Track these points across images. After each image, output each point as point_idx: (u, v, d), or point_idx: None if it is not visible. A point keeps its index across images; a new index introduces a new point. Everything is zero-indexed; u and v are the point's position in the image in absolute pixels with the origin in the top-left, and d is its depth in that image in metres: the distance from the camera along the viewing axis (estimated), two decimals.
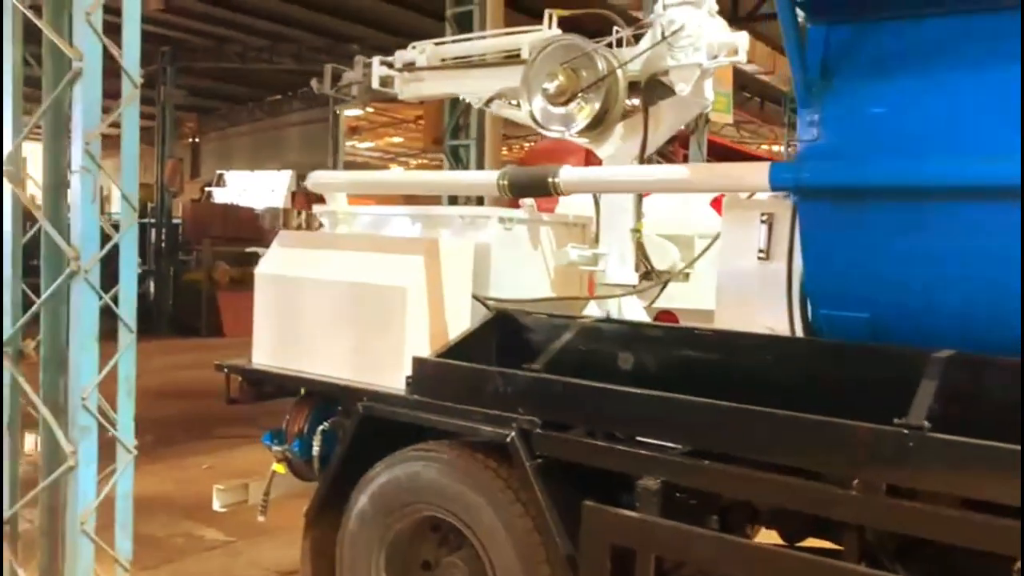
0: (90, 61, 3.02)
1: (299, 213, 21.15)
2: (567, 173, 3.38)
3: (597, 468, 2.98)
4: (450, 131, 9.23)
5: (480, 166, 8.76)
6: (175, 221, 19.39)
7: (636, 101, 4.00)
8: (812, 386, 2.88)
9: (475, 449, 3.26)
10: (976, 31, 2.52)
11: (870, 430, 2.37)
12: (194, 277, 18.30)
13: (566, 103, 3.85)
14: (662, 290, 4.26)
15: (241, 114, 25.54)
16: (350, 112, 24.07)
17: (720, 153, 8.09)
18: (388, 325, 3.54)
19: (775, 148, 16.80)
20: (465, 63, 4.48)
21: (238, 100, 24.63)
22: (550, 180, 3.37)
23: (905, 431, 2.30)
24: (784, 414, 2.52)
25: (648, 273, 4.13)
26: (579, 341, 3.28)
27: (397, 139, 29.45)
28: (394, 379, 3.50)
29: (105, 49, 3.12)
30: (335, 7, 15.89)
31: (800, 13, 2.68)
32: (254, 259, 20.02)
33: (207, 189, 23.46)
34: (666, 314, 4.53)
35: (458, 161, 9.17)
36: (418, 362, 3.37)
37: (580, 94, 3.79)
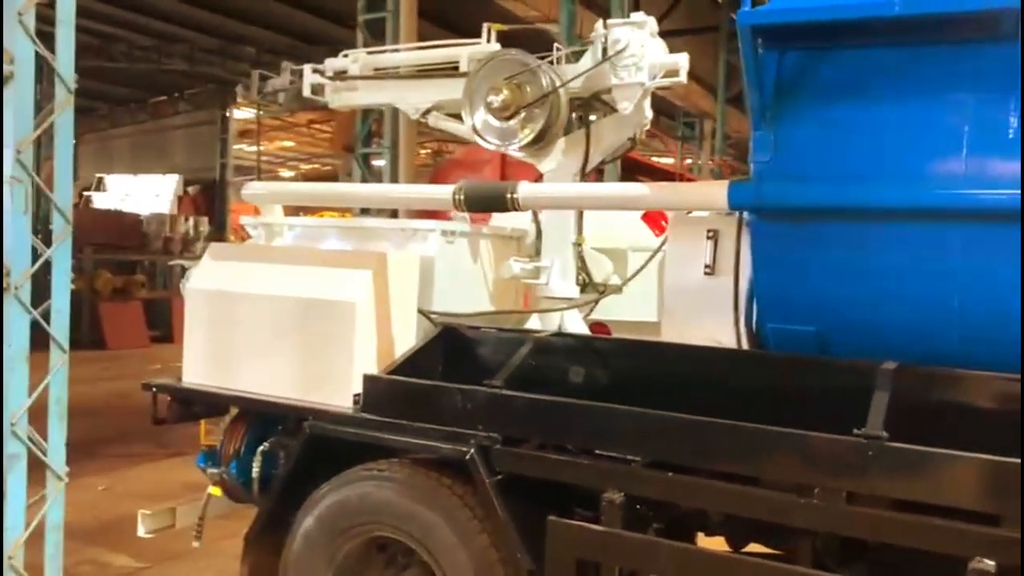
0: (22, 65, 2.86)
1: (187, 219, 20.36)
2: (526, 189, 3.40)
3: (554, 483, 3.01)
4: (362, 138, 9.08)
5: (394, 175, 8.66)
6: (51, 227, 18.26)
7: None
8: (763, 397, 2.99)
9: (429, 467, 3.22)
10: (922, 59, 2.69)
11: (832, 441, 2.48)
12: (74, 287, 17.30)
13: (510, 117, 3.87)
14: (597, 302, 4.33)
15: (123, 115, 24.37)
16: (240, 115, 23.42)
17: (630, 167, 8.30)
18: (335, 341, 3.45)
19: (667, 160, 17.38)
20: (401, 73, 4.43)
21: (119, 100, 23.50)
22: (508, 196, 3.37)
23: (865, 441, 2.41)
24: (747, 426, 2.61)
25: (586, 286, 4.19)
26: (534, 356, 3.29)
27: (288, 143, 28.76)
28: (341, 397, 3.42)
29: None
30: (229, 8, 15.41)
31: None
32: (137, 267, 19.06)
33: (85, 194, 22.25)
34: (599, 326, 4.60)
35: (369, 169, 9.05)
36: (369, 379, 3.31)
37: (524, 109, 3.82)
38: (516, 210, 3.52)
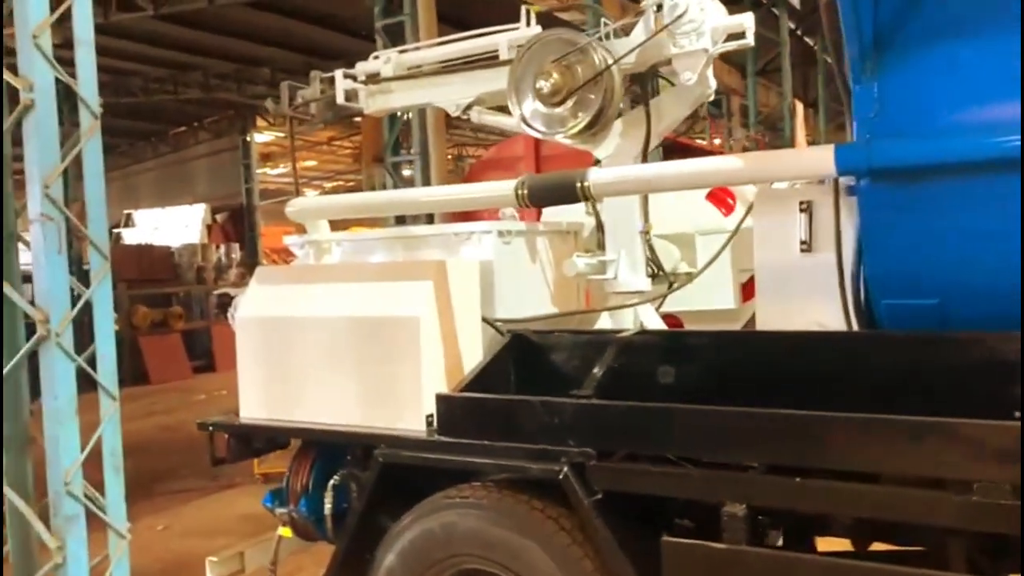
0: (42, 92, 2.60)
1: (218, 247, 20.32)
2: (597, 175, 3.09)
3: (653, 498, 2.71)
4: (390, 147, 8.83)
5: (426, 182, 8.42)
6: (85, 268, 18.31)
7: None
8: (886, 383, 2.67)
9: (517, 489, 2.94)
10: None
11: (994, 428, 2.15)
12: (116, 326, 17.31)
13: (561, 102, 3.58)
14: (668, 294, 4.02)
15: (144, 149, 24.45)
16: (260, 138, 23.38)
17: (669, 149, 7.96)
18: (400, 360, 3.18)
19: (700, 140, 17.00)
20: (438, 69, 4.16)
21: (140, 135, 23.56)
22: (579, 185, 3.07)
23: None
24: (884, 418, 2.29)
25: (655, 276, 3.89)
26: (618, 359, 2.99)
27: (310, 163, 28.72)
28: (412, 420, 3.15)
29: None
30: (238, 30, 15.27)
31: None
32: (172, 300, 19.12)
33: (115, 231, 22.34)
34: (670, 318, 4.30)
35: (400, 178, 8.81)
36: (443, 399, 3.03)
37: (577, 92, 3.52)
38: (588, 200, 3.22)
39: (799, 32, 17.30)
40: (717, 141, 16.36)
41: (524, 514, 2.86)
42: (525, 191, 3.21)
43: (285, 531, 3.56)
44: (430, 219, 7.52)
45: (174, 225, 21.91)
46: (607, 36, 3.64)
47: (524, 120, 3.68)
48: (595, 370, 2.89)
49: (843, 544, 3.02)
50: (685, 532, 2.71)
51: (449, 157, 24.10)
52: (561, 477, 2.72)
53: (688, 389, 2.91)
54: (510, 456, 2.86)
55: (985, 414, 2.22)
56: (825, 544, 3.05)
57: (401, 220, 7.56)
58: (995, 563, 2.53)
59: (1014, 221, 2.41)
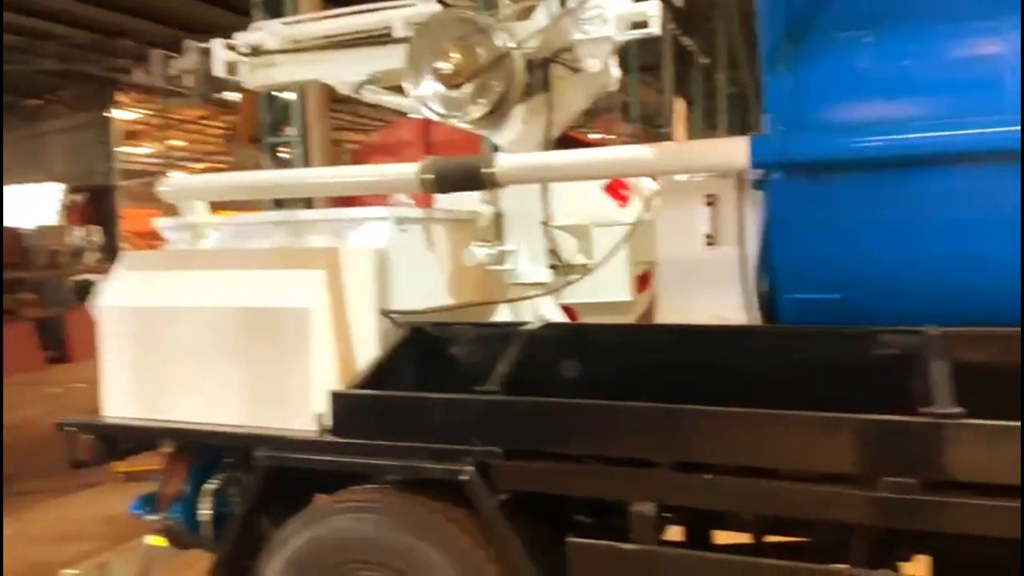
0: None
1: (76, 230, 18.97)
2: (505, 161, 2.95)
3: (555, 497, 2.62)
4: (268, 127, 8.38)
5: (306, 165, 8.04)
6: None
7: None
8: (789, 378, 2.67)
9: (415, 491, 2.78)
10: None
11: (900, 423, 2.16)
12: None
13: (461, 84, 3.42)
14: (566, 285, 3.94)
15: None
16: (124, 115, 21.98)
17: (561, 141, 7.90)
18: (288, 355, 2.95)
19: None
20: (327, 44, 3.91)
21: None
22: (484, 171, 2.92)
23: (942, 420, 2.10)
24: (797, 414, 2.27)
25: (555, 268, 3.80)
26: (524, 353, 2.87)
27: (179, 142, 27.31)
28: (300, 419, 2.93)
29: None
30: None
31: None
32: (19, 287, 17.78)
33: None
34: (565, 310, 4.22)
35: (277, 161, 8.39)
36: (338, 397, 2.83)
37: (478, 74, 3.37)
38: (496, 187, 3.07)
39: (677, 32, 17.73)
40: (598, 136, 16.55)
41: (424, 517, 2.72)
42: (429, 176, 3.03)
43: (157, 539, 3.26)
44: (308, 205, 7.21)
45: (26, 205, 20.32)
46: (506, 19, 3.51)
47: (422, 101, 3.50)
48: (500, 365, 2.76)
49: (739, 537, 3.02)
50: (591, 532, 2.62)
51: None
52: (466, 478, 2.58)
53: (596, 384, 2.82)
54: (410, 456, 2.70)
55: (888, 410, 2.24)
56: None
57: (279, 207, 7.18)
58: (890, 553, 2.57)
59: (923, 217, 2.44)
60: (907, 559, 2.72)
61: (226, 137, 21.18)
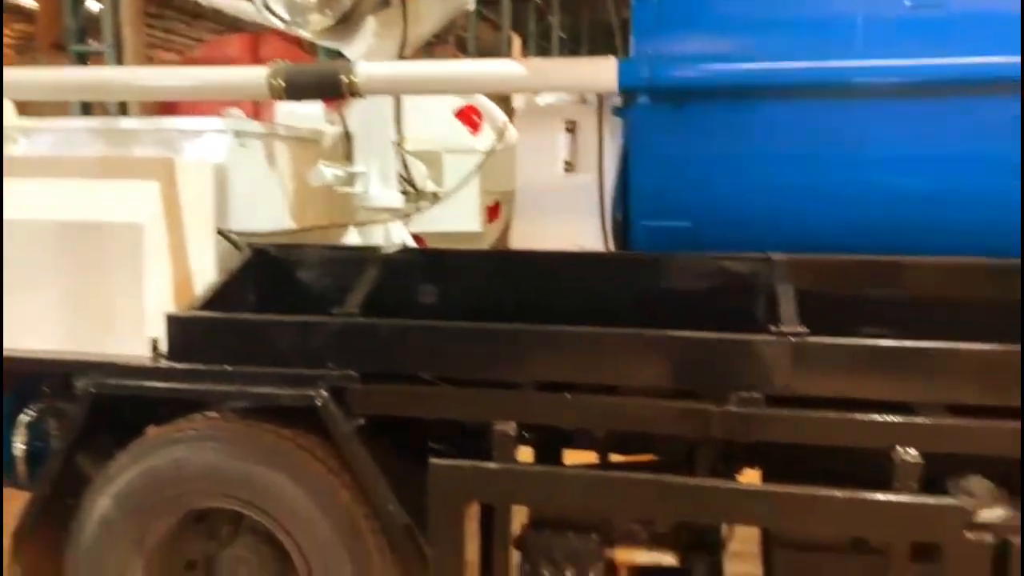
0: None
1: None
2: (366, 69, 2.77)
3: (408, 420, 2.58)
4: (74, 34, 7.50)
5: None
6: None
7: None
8: (643, 302, 2.74)
9: (260, 418, 2.64)
10: None
11: (749, 342, 2.27)
12: None
13: None
14: (417, 212, 3.84)
15: None
16: None
17: None
18: (118, 274, 2.70)
19: None
20: None
21: None
22: (343, 78, 2.73)
23: (790, 339, 2.22)
24: (655, 333, 2.33)
25: (407, 194, 3.68)
26: (378, 278, 2.77)
27: None
28: (132, 343, 2.70)
29: None
30: None
31: None
32: None
33: None
34: (415, 238, 4.14)
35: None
36: (176, 320, 2.62)
37: None
38: (355, 95, 2.88)
39: None
40: None
41: (271, 444, 2.59)
42: (281, 82, 2.80)
43: None
44: (123, 113, 6.63)
45: None
46: None
47: (266, 6, 3.24)
48: (356, 288, 2.65)
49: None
50: (446, 454, 2.60)
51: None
52: (320, 403, 2.47)
53: (453, 309, 2.77)
54: (258, 383, 2.55)
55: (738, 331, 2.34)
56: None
57: (86, 114, 6.52)
58: (730, 466, 2.72)
59: (773, 148, 2.54)
60: (739, 473, 2.89)
61: (17, 48, 19.00)
